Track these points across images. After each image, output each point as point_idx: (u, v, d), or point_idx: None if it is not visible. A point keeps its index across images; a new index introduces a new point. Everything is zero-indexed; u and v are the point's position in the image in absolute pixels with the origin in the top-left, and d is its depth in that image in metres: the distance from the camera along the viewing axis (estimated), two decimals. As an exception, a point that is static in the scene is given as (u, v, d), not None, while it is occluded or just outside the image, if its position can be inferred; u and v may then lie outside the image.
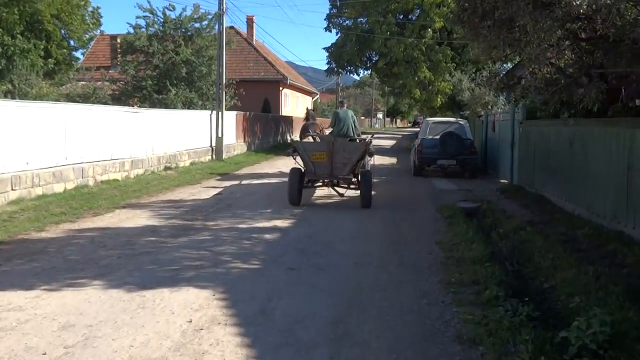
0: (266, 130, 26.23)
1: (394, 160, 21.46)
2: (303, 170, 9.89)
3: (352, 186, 10.14)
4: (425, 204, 10.64)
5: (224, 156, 19.05)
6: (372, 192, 10.76)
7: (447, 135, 14.81)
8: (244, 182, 13.63)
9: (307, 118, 15.98)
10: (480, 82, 19.18)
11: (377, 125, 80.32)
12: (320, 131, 13.70)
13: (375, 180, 12.30)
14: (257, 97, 28.64)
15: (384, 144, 33.84)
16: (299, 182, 9.77)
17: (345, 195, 10.67)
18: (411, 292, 5.18)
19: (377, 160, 19.88)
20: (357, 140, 10.62)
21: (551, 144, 10.09)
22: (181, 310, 4.62)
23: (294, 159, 10.13)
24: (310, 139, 12.13)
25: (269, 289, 5.19)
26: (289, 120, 31.59)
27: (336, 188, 10.43)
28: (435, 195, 11.81)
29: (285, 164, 18.27)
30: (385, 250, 6.91)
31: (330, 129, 11.93)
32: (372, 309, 4.73)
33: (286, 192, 9.90)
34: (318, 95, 48.97)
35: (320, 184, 10.28)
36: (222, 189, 12.28)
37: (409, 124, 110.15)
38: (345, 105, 12.03)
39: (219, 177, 14.55)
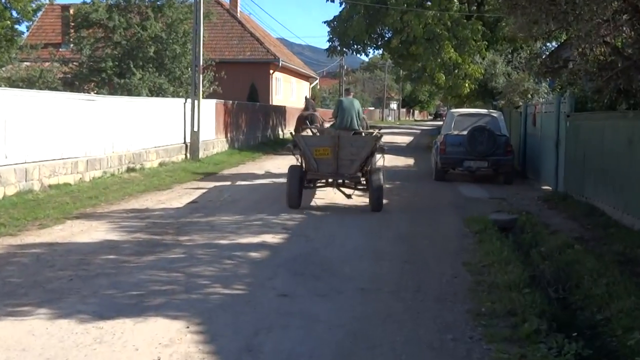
0: (253, 123, 26.41)
1: (410, 161, 21.65)
2: (304, 169, 10.71)
3: (359, 186, 10.98)
4: (449, 216, 10.82)
5: (201, 155, 19.17)
6: (385, 201, 11.13)
7: (477, 130, 14.90)
8: (225, 187, 13.76)
9: (306, 108, 16.61)
10: (517, 65, 19.32)
11: (389, 118, 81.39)
12: (321, 124, 14.34)
13: (387, 186, 13.00)
14: (242, 82, 28.83)
15: (398, 140, 34.18)
16: (300, 182, 10.60)
17: (352, 196, 11.39)
18: (432, 325, 5.21)
19: (391, 161, 20.38)
20: (364, 134, 11.53)
21: (605, 142, 10.26)
22: (147, 347, 4.62)
23: (295, 155, 11.03)
24: (309, 132, 12.73)
25: (256, 320, 5.22)
26: (281, 111, 31.85)
27: (342, 189, 11.18)
28: (461, 205, 11.98)
29: (277, 164, 18.48)
30: (400, 272, 7.00)
31: (332, 122, 12.70)
32: (383, 345, 4.73)
33: (285, 194, 10.72)
34: (317, 81, 49.09)
35: (324, 183, 11.11)
36: (198, 195, 12.41)
37: (430, 117, 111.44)
38: (352, 93, 12.94)
39: (194, 181, 14.68)
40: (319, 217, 10.16)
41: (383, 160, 12.63)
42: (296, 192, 10.55)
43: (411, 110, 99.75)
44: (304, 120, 15.27)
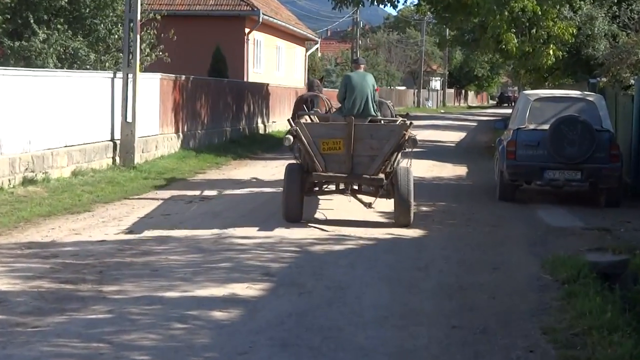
0: (218, 110, 26.58)
1: (460, 170, 21.79)
2: (306, 168, 12.19)
3: (381, 192, 12.39)
4: (521, 256, 10.82)
5: (137, 159, 19.23)
6: (422, 232, 11.82)
7: (565, 123, 14.88)
8: (173, 208, 13.79)
9: (309, 88, 17.67)
10: (628, 23, 19.21)
11: (429, 104, 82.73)
12: (328, 110, 15.58)
13: (425, 209, 14.18)
14: (203, 47, 28.95)
15: (442, 138, 34.49)
16: (301, 186, 12.13)
17: (373, 205, 12.70)
18: None
19: (430, 170, 20.98)
20: (382, 122, 13.53)
21: None
22: None
23: (294, 152, 13.01)
24: (308, 120, 13.63)
25: None
26: (261, 92, 31.84)
27: (358, 195, 12.74)
28: (540, 239, 11.98)
29: (256, 172, 18.79)
30: (443, 344, 7.00)
31: (337, 106, 14.65)
32: None
33: (281, 204, 12.41)
34: (317, 45, 49.32)
35: (333, 188, 12.95)
36: (133, 222, 12.37)
37: (492, 102, 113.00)
38: (363, 66, 14.22)
39: (126, 199, 14.67)
40: (317, 253, 10.30)
41: (410, 161, 13.37)
42: (296, 201, 12.03)
43: (462, 92, 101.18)
44: (304, 103, 16.02)
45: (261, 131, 31.04)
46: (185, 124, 23.56)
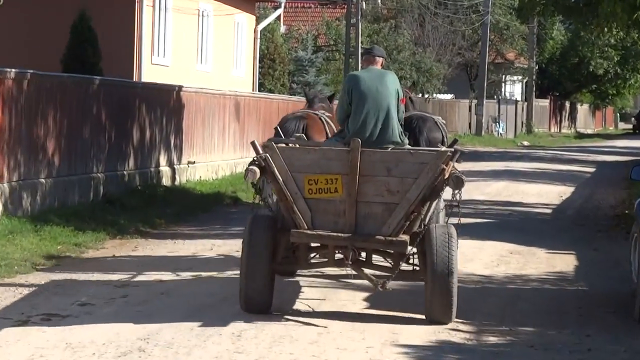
0: (82, 138, 16.56)
1: (562, 261, 13.86)
2: (280, 224, 9.48)
3: (403, 265, 9.58)
4: None
5: None
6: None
7: None
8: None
9: (308, 103, 13.22)
10: None
11: (499, 128, 50.58)
12: (326, 134, 11.74)
13: (492, 339, 9.09)
14: (59, 15, 19.02)
15: (525, 197, 22.62)
16: (270, 254, 9.27)
17: (388, 284, 9.40)
18: None
19: (504, 260, 13.64)
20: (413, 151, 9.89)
21: None
22: None
23: (259, 191, 9.81)
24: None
25: None
26: (167, 101, 20.19)
27: (365, 270, 9.65)
28: None
29: (157, 263, 12.28)
30: None
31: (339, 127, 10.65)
32: None
33: (239, 284, 9.37)
34: (280, 12, 30.23)
35: (325, 259, 9.83)
36: None
37: (622, 126, 70.85)
38: (380, 60, 10.15)
39: None
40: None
41: (459, 210, 9.70)
42: (262, 279, 9.08)
43: (565, 106, 64.02)
44: (283, 128, 11.48)
45: (167, 180, 19.58)
46: (14, 167, 14.33)
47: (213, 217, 16.91)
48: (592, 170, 32.31)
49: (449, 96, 49.39)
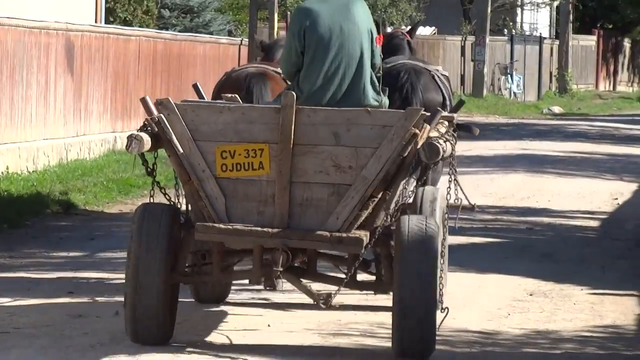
0: None
1: (619, 311, 9.91)
2: (185, 215, 7.94)
3: (367, 270, 8.26)
4: None
5: None
6: None
7: None
8: None
9: (265, 53, 11.75)
10: None
11: (514, 86, 38.29)
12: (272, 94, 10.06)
13: None
14: None
15: (554, 198, 16.98)
16: (169, 258, 7.49)
17: (333, 303, 7.69)
18: None
19: (522, 305, 9.97)
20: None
21: None
22: None
23: (151, 171, 7.88)
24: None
25: None
26: None
27: (303, 280, 8.12)
28: None
29: None
30: None
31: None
32: None
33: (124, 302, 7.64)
34: None
35: (247, 272, 8.02)
36: None
37: None
38: None
39: None
40: None
41: (456, 195, 8.55)
42: (156, 291, 7.32)
43: (622, 47, 46.96)
44: (232, 87, 9.84)
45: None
46: None
47: (29, 235, 12.02)
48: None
49: (428, 30, 36.45)
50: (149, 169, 7.67)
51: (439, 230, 7.59)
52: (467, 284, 9.01)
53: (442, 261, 7.77)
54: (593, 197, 16.83)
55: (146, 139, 7.31)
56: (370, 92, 7.81)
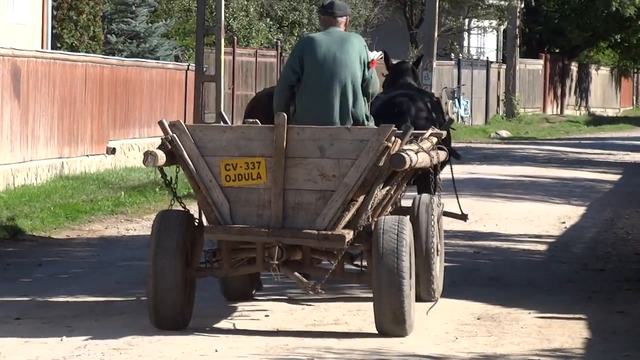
0: None
1: (566, 335, 8.82)
2: (196, 220, 9.09)
3: (355, 263, 9.41)
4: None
5: None
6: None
7: None
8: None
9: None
10: None
11: (461, 110, 37.55)
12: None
13: None
14: None
15: (502, 223, 15.61)
16: (184, 256, 8.58)
17: (320, 290, 8.57)
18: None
19: (472, 336, 9.37)
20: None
21: None
22: None
23: (167, 183, 9.04)
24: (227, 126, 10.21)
25: None
26: None
27: (298, 275, 8.90)
28: None
29: None
30: None
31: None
32: None
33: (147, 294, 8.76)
34: None
35: (246, 263, 9.21)
36: None
37: None
38: (343, 20, 9.60)
39: None
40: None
41: (440, 203, 10.00)
42: (175, 284, 8.34)
43: (570, 71, 47.11)
44: (261, 108, 10.47)
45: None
46: None
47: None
48: (614, 178, 23.46)
49: (375, 54, 36.67)
50: (167, 181, 8.74)
51: (409, 226, 8.48)
52: (415, 308, 8.63)
53: (438, 259, 9.42)
54: (541, 220, 16.78)
55: (160, 154, 8.31)
56: (360, 114, 8.91)
